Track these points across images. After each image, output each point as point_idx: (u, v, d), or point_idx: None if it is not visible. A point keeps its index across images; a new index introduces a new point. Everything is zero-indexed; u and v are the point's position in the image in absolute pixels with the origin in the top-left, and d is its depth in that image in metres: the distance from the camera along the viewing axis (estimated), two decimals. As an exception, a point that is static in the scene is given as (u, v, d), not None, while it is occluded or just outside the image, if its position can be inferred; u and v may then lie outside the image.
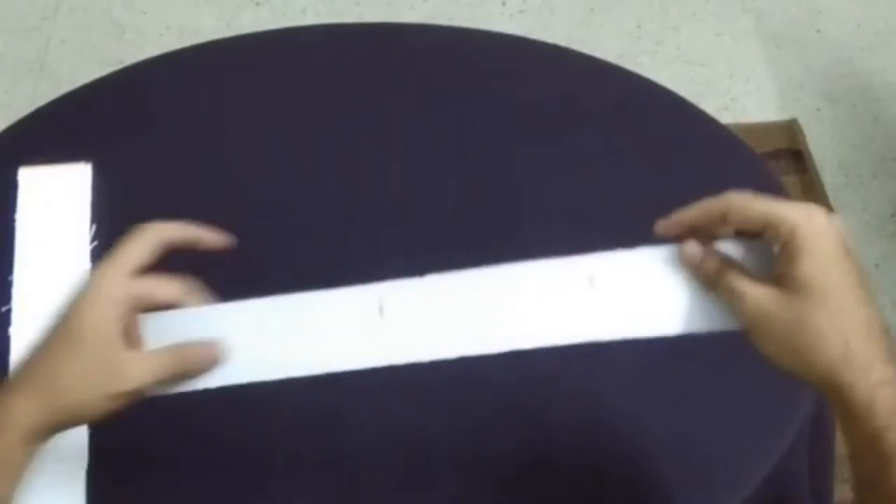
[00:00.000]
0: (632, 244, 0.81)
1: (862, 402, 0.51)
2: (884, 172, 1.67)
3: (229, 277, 0.80)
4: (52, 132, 0.91)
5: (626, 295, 0.60)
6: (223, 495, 0.69)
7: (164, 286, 0.62)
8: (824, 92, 1.78)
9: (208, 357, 0.60)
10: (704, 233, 0.60)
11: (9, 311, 0.77)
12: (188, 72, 0.95)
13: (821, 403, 0.75)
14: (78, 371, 0.57)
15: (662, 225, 0.61)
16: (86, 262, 0.80)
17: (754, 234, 0.58)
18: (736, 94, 1.78)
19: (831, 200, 1.62)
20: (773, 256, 0.57)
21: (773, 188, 0.86)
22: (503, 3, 1.90)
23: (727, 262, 0.58)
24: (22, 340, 0.75)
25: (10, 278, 0.79)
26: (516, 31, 1.01)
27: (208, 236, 0.64)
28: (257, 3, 1.92)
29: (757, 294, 0.55)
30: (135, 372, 0.58)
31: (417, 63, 0.94)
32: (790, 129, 1.71)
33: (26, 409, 0.57)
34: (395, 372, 0.58)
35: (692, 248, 0.59)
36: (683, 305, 0.59)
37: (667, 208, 0.83)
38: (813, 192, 1.62)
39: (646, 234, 0.81)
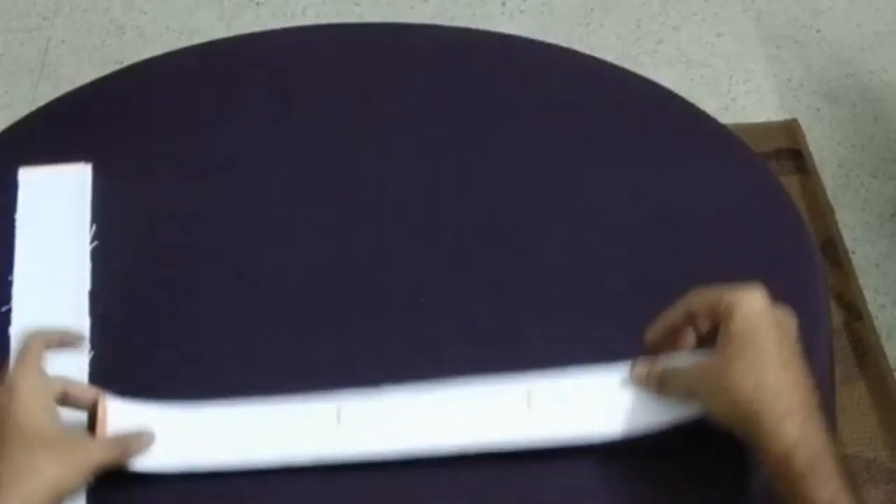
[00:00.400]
0: (629, 244, 0.81)
1: (769, 429, 0.59)
2: (884, 172, 1.67)
3: (229, 277, 0.80)
4: (52, 132, 0.91)
5: (561, 412, 0.68)
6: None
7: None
8: (824, 92, 1.78)
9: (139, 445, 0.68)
10: (676, 340, 0.68)
11: (9, 310, 0.77)
12: (188, 72, 0.95)
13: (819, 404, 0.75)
14: (6, 472, 0.62)
15: (650, 338, 0.69)
16: (86, 262, 0.80)
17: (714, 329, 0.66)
18: (736, 94, 1.78)
19: (831, 200, 1.62)
20: None
21: (773, 188, 0.86)
22: (503, 4, 1.90)
23: (669, 367, 0.67)
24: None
25: (9, 278, 0.79)
26: (516, 31, 1.01)
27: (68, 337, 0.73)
28: (257, 3, 1.92)
29: (693, 361, 0.65)
30: (69, 465, 0.64)
31: (418, 63, 0.94)
32: (790, 129, 1.71)
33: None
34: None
35: (640, 365, 0.68)
36: (618, 411, 0.68)
37: (667, 209, 0.83)
38: (812, 192, 1.62)
39: (646, 234, 0.82)
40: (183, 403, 0.70)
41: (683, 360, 0.67)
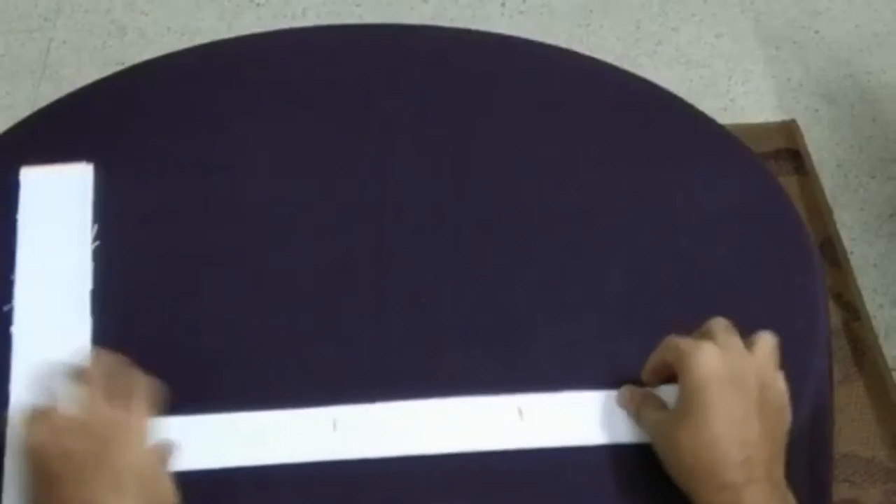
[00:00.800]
0: (628, 244, 0.81)
1: (705, 498, 0.61)
2: (882, 173, 1.67)
3: (230, 277, 0.80)
4: (53, 132, 0.91)
5: (552, 423, 0.70)
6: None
7: None
8: (823, 93, 1.78)
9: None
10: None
11: (10, 310, 0.77)
12: (189, 72, 0.95)
13: (817, 405, 0.75)
14: None
15: (644, 378, 0.70)
16: (87, 262, 0.80)
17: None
18: (735, 95, 1.78)
19: (830, 200, 1.62)
20: None
21: (772, 189, 0.86)
22: (503, 4, 1.90)
23: (648, 399, 0.68)
24: (23, 339, 0.75)
25: (11, 277, 0.79)
26: (516, 32, 1.01)
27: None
28: (258, 4, 1.92)
29: (652, 417, 0.67)
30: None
31: (418, 64, 0.94)
32: (789, 129, 1.71)
33: None
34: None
35: (624, 391, 0.70)
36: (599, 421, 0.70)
37: (666, 209, 0.83)
38: (811, 192, 1.62)
39: (645, 235, 0.82)
40: (183, 415, 0.70)
41: (666, 394, 0.68)
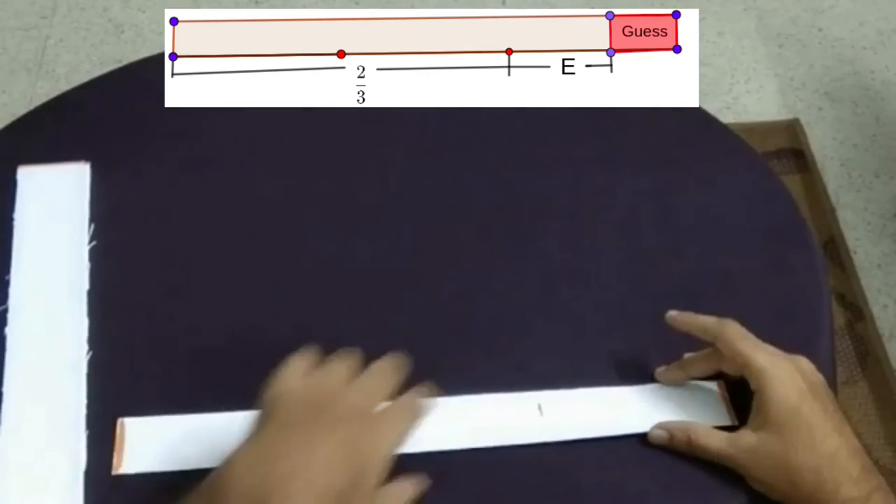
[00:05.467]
0: (632, 243, 0.81)
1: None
2: (886, 172, 1.66)
3: (228, 277, 0.80)
4: (50, 131, 0.90)
5: (573, 418, 0.70)
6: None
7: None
8: (826, 91, 1.78)
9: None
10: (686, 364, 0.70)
11: (5, 310, 0.76)
12: (187, 70, 0.94)
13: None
14: None
15: (675, 319, 0.71)
16: (84, 262, 0.79)
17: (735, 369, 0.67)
18: (737, 94, 1.78)
19: (833, 200, 1.61)
20: (717, 399, 0.70)
21: (775, 188, 0.86)
22: (503, 3, 1.90)
23: (686, 429, 0.67)
24: (18, 341, 0.75)
25: (7, 277, 0.78)
26: (517, 30, 1.01)
27: None
28: (257, 3, 1.92)
29: (737, 445, 0.65)
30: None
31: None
32: (792, 128, 1.71)
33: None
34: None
35: (658, 432, 0.68)
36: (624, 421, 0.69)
37: (668, 208, 0.83)
38: (814, 191, 1.62)
39: (648, 234, 0.81)
40: (191, 413, 0.70)
41: (705, 425, 0.68)
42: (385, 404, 0.60)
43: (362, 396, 0.59)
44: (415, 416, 0.61)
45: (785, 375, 0.64)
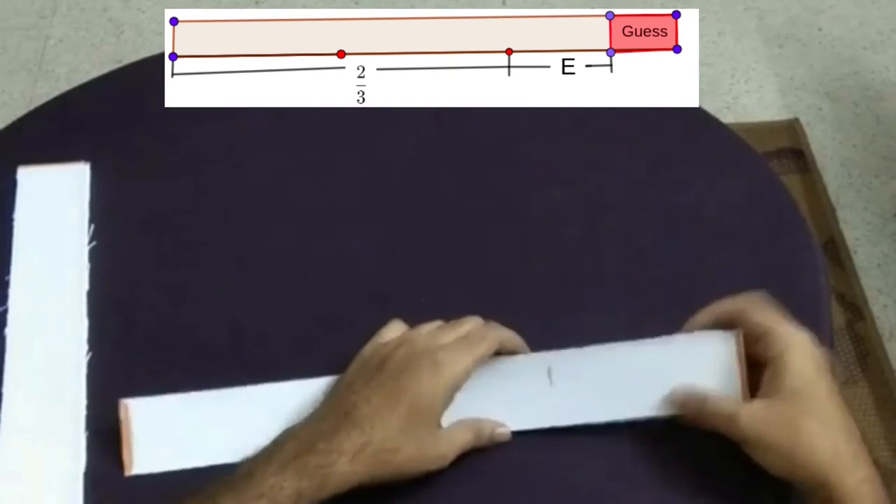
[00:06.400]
0: (631, 243, 0.81)
1: (846, 497, 0.60)
2: (886, 172, 1.66)
3: (228, 277, 0.80)
4: (50, 131, 0.90)
5: (583, 387, 0.69)
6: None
7: (482, 347, 0.68)
8: (826, 91, 1.77)
9: (503, 435, 0.68)
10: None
11: (5, 311, 0.76)
12: (187, 70, 0.94)
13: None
14: (412, 451, 0.63)
15: (698, 321, 0.69)
16: (84, 262, 0.79)
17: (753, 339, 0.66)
18: (737, 94, 1.78)
19: (833, 200, 1.61)
20: (733, 349, 0.66)
21: (775, 188, 0.86)
22: (503, 3, 1.90)
23: (694, 396, 0.65)
24: (18, 342, 0.75)
25: (6, 278, 0.78)
26: (517, 30, 1.00)
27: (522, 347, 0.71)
28: (257, 3, 1.91)
29: (749, 411, 0.63)
30: (449, 451, 0.65)
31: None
32: (792, 128, 1.71)
33: (349, 474, 0.61)
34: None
35: (667, 402, 0.66)
36: (633, 392, 0.68)
37: (668, 208, 0.83)
38: (815, 191, 1.61)
39: (647, 234, 0.81)
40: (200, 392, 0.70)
41: (697, 342, 0.67)
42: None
43: (425, 341, 0.67)
44: (477, 348, 0.67)
45: (808, 346, 0.64)
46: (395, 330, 0.70)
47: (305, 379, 0.70)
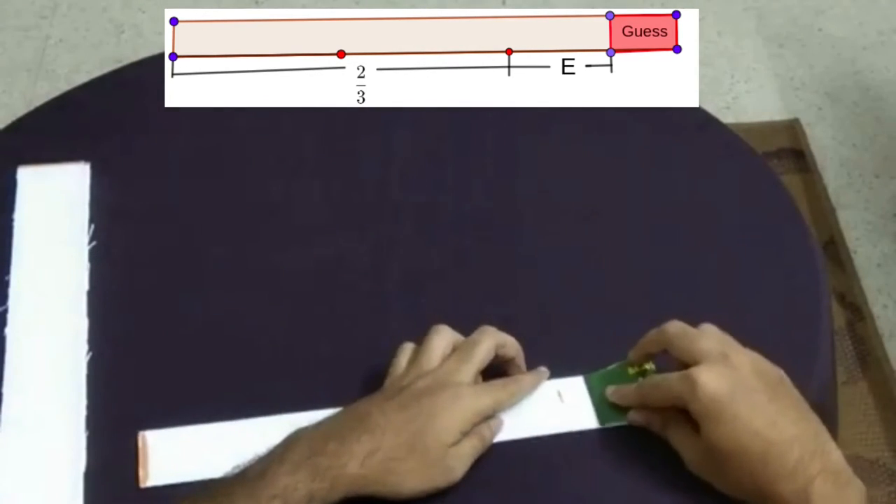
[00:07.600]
0: (631, 243, 0.81)
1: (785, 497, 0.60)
2: (886, 172, 1.66)
3: (228, 277, 0.80)
4: (50, 131, 0.90)
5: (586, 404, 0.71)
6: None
7: (502, 393, 0.69)
8: (826, 91, 1.77)
9: (500, 425, 0.68)
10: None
11: (5, 311, 0.76)
12: (187, 70, 0.94)
13: (821, 407, 0.74)
14: (418, 461, 0.63)
15: (633, 357, 0.71)
16: (84, 262, 0.79)
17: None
18: (737, 94, 1.78)
19: (833, 200, 1.61)
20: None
21: (775, 188, 0.86)
22: (503, 3, 1.90)
23: (665, 416, 0.67)
24: (18, 342, 0.75)
25: (6, 278, 0.78)
26: (517, 30, 1.00)
27: (517, 353, 0.71)
28: (257, 3, 1.91)
29: (690, 448, 0.65)
30: (458, 466, 0.65)
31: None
32: (792, 128, 1.71)
33: (357, 477, 0.62)
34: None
35: (635, 415, 0.69)
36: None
37: (669, 208, 0.83)
38: (815, 191, 1.62)
39: (647, 234, 0.81)
40: (181, 414, 0.70)
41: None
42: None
43: (443, 373, 0.67)
44: (500, 392, 0.68)
45: (713, 370, 0.63)
46: (406, 352, 0.70)
47: (320, 410, 0.69)
